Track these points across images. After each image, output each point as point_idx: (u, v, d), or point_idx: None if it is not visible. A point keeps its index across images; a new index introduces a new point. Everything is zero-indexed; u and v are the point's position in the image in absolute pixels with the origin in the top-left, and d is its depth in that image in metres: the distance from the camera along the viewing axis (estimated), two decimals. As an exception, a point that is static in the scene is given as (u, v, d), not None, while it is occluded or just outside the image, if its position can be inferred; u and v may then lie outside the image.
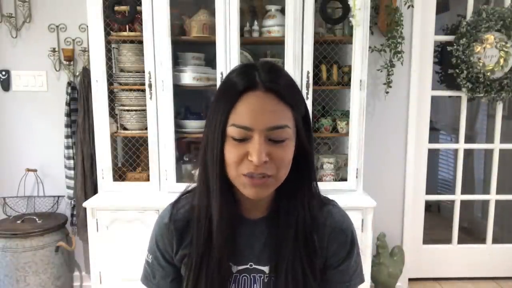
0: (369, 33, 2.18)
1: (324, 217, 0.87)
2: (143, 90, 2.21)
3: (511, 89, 2.62)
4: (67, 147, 2.50)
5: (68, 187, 2.54)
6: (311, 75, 2.18)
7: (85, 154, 2.44)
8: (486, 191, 2.97)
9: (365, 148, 2.26)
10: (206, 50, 2.30)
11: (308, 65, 2.17)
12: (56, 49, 2.49)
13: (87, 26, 2.29)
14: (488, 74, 2.57)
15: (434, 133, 3.78)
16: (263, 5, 2.30)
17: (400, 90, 2.61)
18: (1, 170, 2.62)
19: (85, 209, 2.20)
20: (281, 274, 0.82)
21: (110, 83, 2.24)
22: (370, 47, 2.29)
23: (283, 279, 0.82)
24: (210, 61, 2.30)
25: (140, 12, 2.15)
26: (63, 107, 2.49)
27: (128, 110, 2.27)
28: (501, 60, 2.56)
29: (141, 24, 2.14)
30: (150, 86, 2.17)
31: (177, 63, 2.29)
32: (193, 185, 0.88)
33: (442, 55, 2.76)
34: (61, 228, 2.50)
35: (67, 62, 2.49)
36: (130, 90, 2.26)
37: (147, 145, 2.23)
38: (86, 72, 2.41)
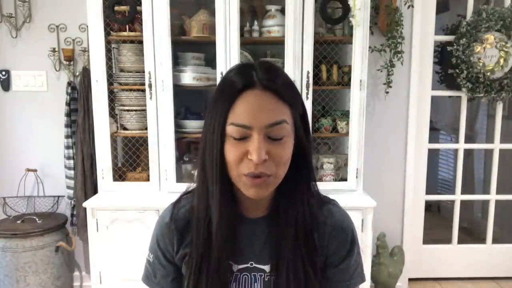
0: (369, 33, 2.18)
1: (325, 216, 0.88)
2: (143, 90, 2.21)
3: (511, 89, 2.62)
4: (67, 147, 2.50)
5: (68, 187, 2.54)
6: (311, 75, 2.18)
7: (85, 154, 2.44)
8: (486, 191, 2.97)
9: (365, 148, 2.26)
10: (206, 50, 2.30)
11: (308, 65, 2.17)
12: (56, 49, 2.49)
13: (87, 26, 2.29)
14: (488, 74, 2.57)
15: (434, 133, 3.78)
16: (263, 5, 2.30)
17: (400, 90, 2.61)
18: (1, 170, 2.62)
19: (85, 209, 2.20)
20: (282, 272, 0.82)
21: (110, 83, 2.24)
22: (370, 47, 2.29)
23: (284, 278, 0.82)
24: (210, 61, 2.30)
25: (140, 12, 2.15)
26: (63, 107, 2.49)
27: (128, 110, 2.27)
28: (501, 60, 2.56)
29: (141, 24, 2.14)
30: (150, 86, 2.17)
31: (177, 63, 2.29)
32: (194, 185, 0.88)
33: (442, 55, 2.76)
34: (61, 228, 2.50)
35: (67, 62, 2.49)
36: (130, 90, 2.26)
37: (147, 145, 2.23)
38: (86, 72, 2.41)
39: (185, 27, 2.26)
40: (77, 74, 2.51)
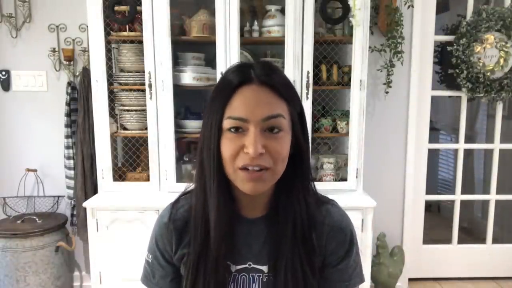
0: (369, 33, 2.18)
1: (323, 216, 0.88)
2: (143, 90, 2.21)
3: (511, 89, 2.62)
4: (67, 147, 2.50)
5: (68, 187, 2.54)
6: (311, 75, 2.18)
7: (85, 154, 2.44)
8: (486, 191, 2.97)
9: (365, 148, 2.26)
10: (206, 50, 2.30)
11: (308, 65, 2.17)
12: (56, 49, 2.49)
13: (87, 26, 2.29)
14: (488, 74, 2.57)
15: (434, 133, 3.78)
16: (263, 5, 2.30)
17: (400, 90, 2.61)
18: (1, 170, 2.62)
19: (85, 209, 2.20)
20: (280, 272, 0.82)
21: (110, 83, 2.24)
22: (370, 47, 2.29)
23: (282, 278, 0.82)
24: (210, 61, 2.30)
25: (140, 12, 2.15)
26: (63, 107, 2.49)
27: (128, 110, 2.27)
28: (501, 60, 2.56)
29: (141, 24, 2.14)
30: (150, 86, 2.17)
31: (177, 63, 2.29)
32: (192, 185, 0.88)
33: (442, 55, 2.76)
34: (61, 228, 2.50)
35: (67, 62, 2.49)
36: (130, 90, 2.26)
37: (147, 145, 2.23)
38: (86, 72, 2.41)
39: (185, 27, 2.26)
40: (77, 74, 2.51)
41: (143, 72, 2.18)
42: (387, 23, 2.41)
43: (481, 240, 3.00)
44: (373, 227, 2.19)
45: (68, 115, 2.48)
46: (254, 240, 0.86)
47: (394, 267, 2.57)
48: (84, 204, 2.18)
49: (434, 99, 2.78)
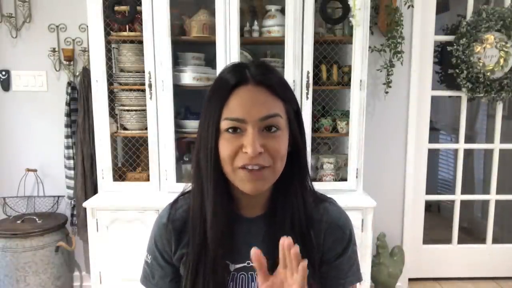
0: (369, 33, 2.18)
1: (320, 214, 0.88)
2: (143, 90, 2.21)
3: (511, 89, 2.62)
4: (67, 147, 2.50)
5: (68, 187, 2.54)
6: (311, 75, 2.18)
7: (85, 154, 2.44)
8: (486, 191, 2.97)
9: (365, 148, 2.26)
10: (206, 50, 2.30)
11: (308, 65, 2.17)
12: (56, 49, 2.49)
13: (87, 26, 2.29)
14: (488, 74, 2.57)
15: (434, 133, 3.78)
16: (263, 5, 2.30)
17: (400, 90, 2.61)
18: (1, 170, 2.62)
19: (85, 209, 2.20)
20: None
21: (110, 83, 2.24)
22: (370, 47, 2.29)
23: None
24: (210, 61, 2.30)
25: (140, 12, 2.15)
26: (63, 107, 2.49)
27: (128, 110, 2.27)
28: (501, 60, 2.56)
29: (141, 24, 2.14)
30: (150, 86, 2.17)
31: (177, 63, 2.29)
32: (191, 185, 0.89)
33: (442, 55, 2.76)
34: (61, 228, 2.50)
35: (67, 62, 2.49)
36: (130, 90, 2.26)
37: (147, 145, 2.23)
38: (86, 72, 2.41)
39: (185, 27, 2.26)
40: (77, 74, 2.51)
41: (143, 72, 2.18)
42: (387, 23, 2.41)
43: (481, 240, 3.00)
44: (373, 227, 2.19)
45: (68, 115, 2.48)
46: (253, 239, 0.86)
47: (394, 267, 2.57)
48: (84, 204, 2.19)
49: (434, 99, 2.78)
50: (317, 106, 2.33)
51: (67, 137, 2.49)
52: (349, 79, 2.21)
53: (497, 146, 2.85)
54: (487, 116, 3.40)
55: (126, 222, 2.15)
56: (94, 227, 2.16)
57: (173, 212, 0.89)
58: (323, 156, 2.34)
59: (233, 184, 0.81)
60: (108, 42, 2.22)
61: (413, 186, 2.75)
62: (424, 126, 2.74)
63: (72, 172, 2.51)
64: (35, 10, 2.49)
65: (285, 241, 0.68)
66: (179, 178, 2.26)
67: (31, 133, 2.59)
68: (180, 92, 2.26)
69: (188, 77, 2.21)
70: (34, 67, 2.52)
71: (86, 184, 2.46)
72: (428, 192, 2.84)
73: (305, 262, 0.67)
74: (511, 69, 2.60)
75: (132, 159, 2.35)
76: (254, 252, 0.70)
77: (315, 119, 2.30)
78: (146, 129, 2.23)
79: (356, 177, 2.27)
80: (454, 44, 2.57)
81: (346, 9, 2.14)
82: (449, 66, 2.63)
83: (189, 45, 2.35)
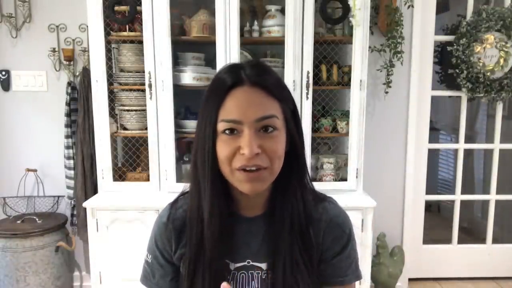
0: (369, 33, 2.18)
1: (320, 213, 0.88)
2: (143, 90, 2.21)
3: (511, 89, 2.62)
4: (67, 147, 2.50)
5: (68, 187, 2.54)
6: (311, 75, 2.18)
7: (85, 154, 2.44)
8: (486, 191, 2.97)
9: (365, 148, 2.26)
10: (206, 50, 2.30)
11: (308, 65, 2.17)
12: (56, 49, 2.49)
13: (87, 26, 2.29)
14: (488, 74, 2.57)
15: (434, 133, 3.78)
16: (263, 5, 2.30)
17: (400, 90, 2.61)
18: (1, 170, 2.62)
19: (85, 209, 2.20)
20: (279, 269, 0.83)
21: (110, 83, 2.24)
22: (370, 47, 2.29)
23: (281, 275, 0.82)
24: (210, 61, 2.30)
25: (140, 12, 2.15)
26: (63, 107, 2.49)
27: (128, 110, 2.27)
28: (501, 60, 2.56)
29: (141, 24, 2.14)
30: (150, 86, 2.17)
31: (177, 63, 2.29)
32: None
33: (442, 55, 2.76)
34: (61, 228, 2.50)
35: (67, 62, 2.49)
36: (130, 90, 2.26)
37: (147, 145, 2.23)
38: (86, 72, 2.41)
39: (185, 27, 2.26)
40: (77, 74, 2.51)
41: (143, 72, 2.18)
42: (387, 23, 2.41)
43: (481, 240, 3.00)
44: (373, 227, 2.19)
45: (68, 115, 2.48)
46: (253, 238, 0.86)
47: (394, 267, 2.57)
48: (84, 204, 2.19)
49: (434, 99, 2.78)
50: (317, 106, 2.33)
51: (67, 137, 2.49)
52: (349, 79, 2.21)
53: (497, 146, 2.85)
54: (487, 116, 3.40)
55: (126, 222, 2.15)
56: (94, 227, 2.16)
57: (173, 212, 0.89)
58: (323, 156, 2.34)
59: (232, 184, 0.81)
60: (108, 42, 2.22)
61: (413, 186, 2.75)
62: (424, 126, 2.74)
63: (72, 172, 2.51)
64: (35, 10, 2.49)
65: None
66: (179, 178, 2.26)
67: (31, 133, 2.59)
68: (180, 92, 2.26)
69: (188, 77, 2.21)
70: (34, 67, 2.52)
71: (86, 184, 2.46)
72: (428, 192, 2.84)
73: None
74: (511, 69, 2.60)
75: (132, 159, 2.35)
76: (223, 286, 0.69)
77: (315, 119, 2.30)
78: (146, 129, 2.24)
79: (356, 177, 2.27)
80: (454, 44, 2.57)
81: (346, 9, 2.14)
82: (449, 66, 2.63)
83: (189, 45, 2.35)
